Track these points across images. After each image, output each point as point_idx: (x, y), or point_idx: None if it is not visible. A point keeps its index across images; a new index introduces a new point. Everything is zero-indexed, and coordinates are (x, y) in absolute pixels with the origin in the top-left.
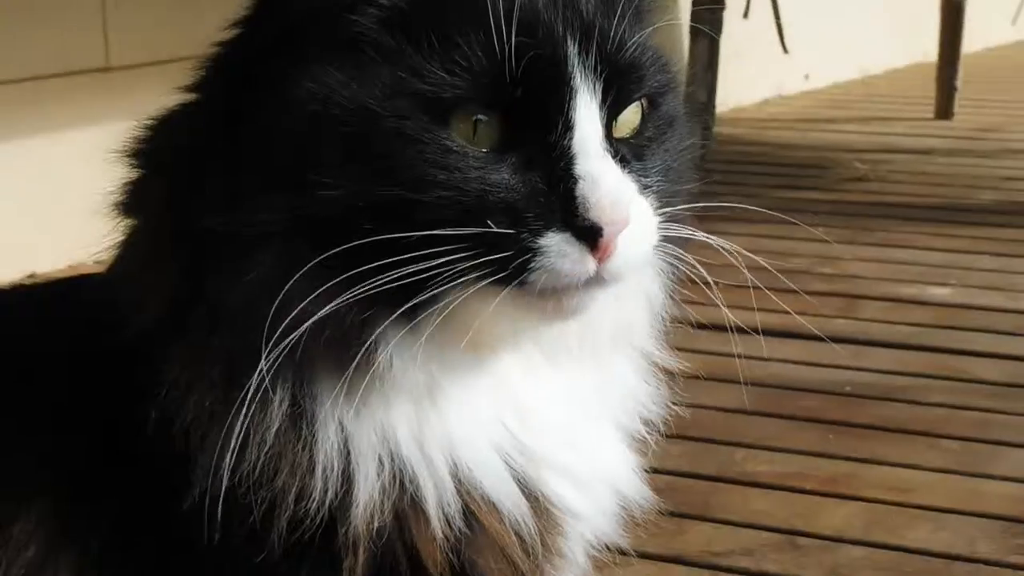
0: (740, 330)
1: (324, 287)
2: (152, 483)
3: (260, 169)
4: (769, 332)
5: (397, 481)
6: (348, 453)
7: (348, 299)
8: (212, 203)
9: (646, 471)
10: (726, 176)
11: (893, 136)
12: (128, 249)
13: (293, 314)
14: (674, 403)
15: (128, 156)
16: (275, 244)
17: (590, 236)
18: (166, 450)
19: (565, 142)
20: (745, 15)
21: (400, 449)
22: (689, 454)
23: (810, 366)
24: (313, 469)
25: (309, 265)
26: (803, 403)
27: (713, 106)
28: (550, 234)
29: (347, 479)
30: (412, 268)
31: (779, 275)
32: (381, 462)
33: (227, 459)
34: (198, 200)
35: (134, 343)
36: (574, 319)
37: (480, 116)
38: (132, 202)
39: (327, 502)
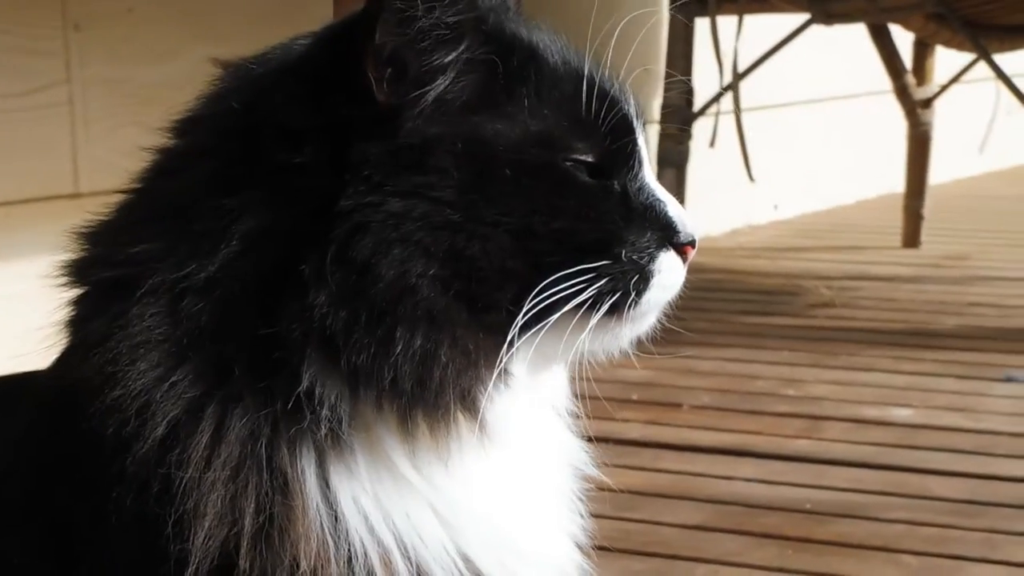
0: (703, 450)
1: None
2: None
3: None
4: (731, 452)
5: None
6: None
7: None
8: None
9: None
10: (693, 302)
11: (860, 264)
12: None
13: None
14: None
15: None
16: (423, 324)
17: (682, 250)
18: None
19: (640, 174)
20: (712, 143)
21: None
22: (650, 571)
23: (771, 484)
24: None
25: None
26: (763, 520)
27: None
28: (662, 254)
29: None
30: (559, 307)
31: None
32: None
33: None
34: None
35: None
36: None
37: (586, 158)
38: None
39: None
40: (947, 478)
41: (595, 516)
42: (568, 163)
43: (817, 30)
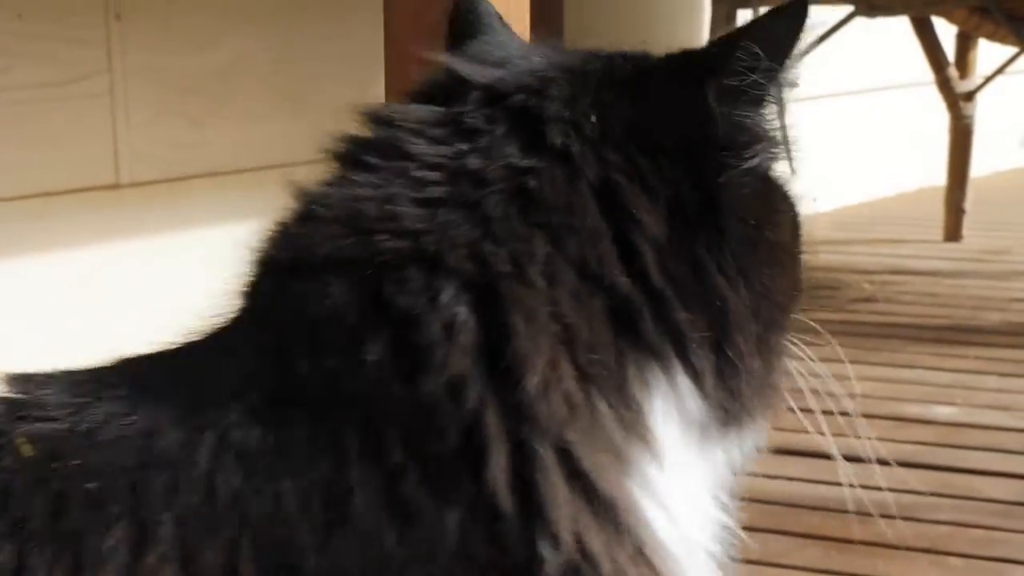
0: None
1: None
2: None
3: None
4: (773, 450)
5: None
6: None
7: None
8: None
9: None
10: None
11: (901, 258)
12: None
13: None
14: None
15: None
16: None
17: None
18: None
19: None
20: None
21: None
22: None
23: (813, 483)
24: None
25: None
26: (806, 520)
27: None
28: None
29: None
30: None
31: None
32: None
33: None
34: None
35: None
36: None
37: None
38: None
39: None
40: (992, 478)
41: None
42: None
43: (859, 22)
